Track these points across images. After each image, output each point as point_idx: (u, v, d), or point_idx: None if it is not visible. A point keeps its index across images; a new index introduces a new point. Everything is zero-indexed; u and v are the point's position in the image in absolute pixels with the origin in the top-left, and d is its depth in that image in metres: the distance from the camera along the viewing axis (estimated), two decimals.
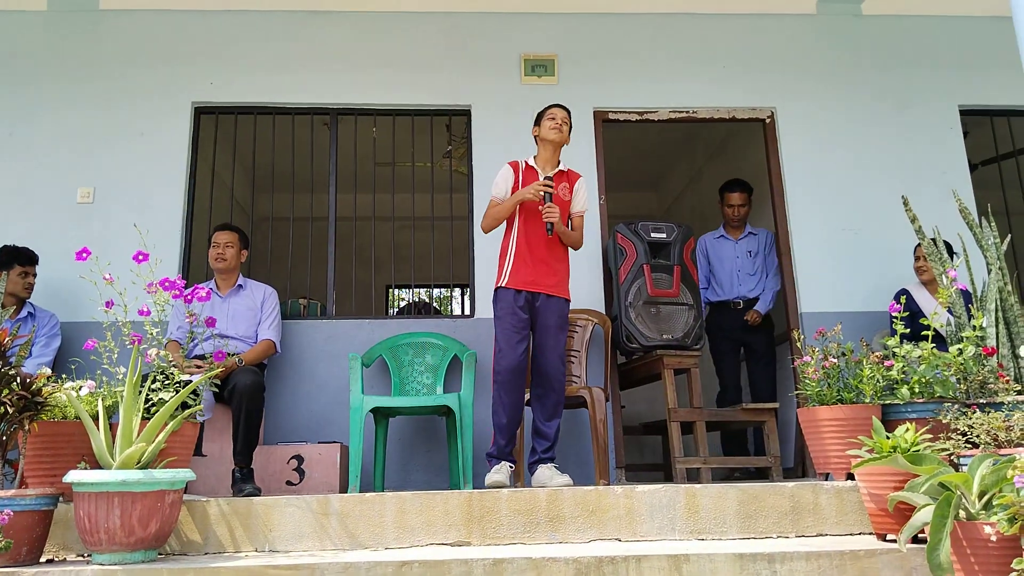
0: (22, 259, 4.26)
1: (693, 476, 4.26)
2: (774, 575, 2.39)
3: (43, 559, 2.66)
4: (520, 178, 3.92)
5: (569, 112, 3.99)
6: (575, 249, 4.01)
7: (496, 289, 3.83)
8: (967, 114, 5.34)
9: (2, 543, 2.17)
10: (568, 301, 3.88)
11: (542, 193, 3.72)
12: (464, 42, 5.18)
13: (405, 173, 5.90)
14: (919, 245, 4.62)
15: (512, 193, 3.87)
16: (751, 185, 5.20)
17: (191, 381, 2.87)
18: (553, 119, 3.89)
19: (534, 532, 2.89)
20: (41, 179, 4.75)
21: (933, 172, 5.12)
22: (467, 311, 7.73)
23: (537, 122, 3.98)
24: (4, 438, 2.60)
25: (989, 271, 3.36)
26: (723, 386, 5.05)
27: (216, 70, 5.02)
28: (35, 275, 4.32)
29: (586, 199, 4.05)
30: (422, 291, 9.96)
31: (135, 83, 4.94)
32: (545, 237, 3.81)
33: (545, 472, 3.60)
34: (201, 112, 5.05)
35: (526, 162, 3.98)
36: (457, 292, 10.08)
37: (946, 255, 3.56)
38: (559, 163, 3.98)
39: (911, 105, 5.25)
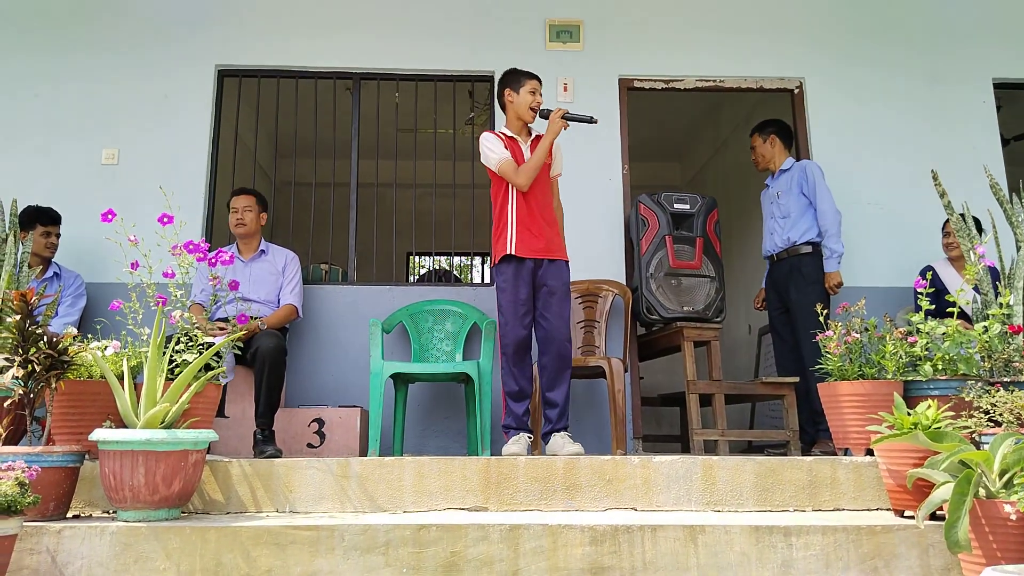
0: (44, 219, 4.29)
1: (710, 448, 4.27)
2: (790, 548, 2.39)
3: (69, 515, 2.72)
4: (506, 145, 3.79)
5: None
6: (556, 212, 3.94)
7: (501, 259, 3.70)
8: (1001, 87, 5.22)
9: (30, 498, 2.21)
10: (568, 263, 3.80)
11: (566, 125, 3.71)
12: (488, 7, 5.12)
13: (427, 140, 5.88)
14: (948, 221, 4.54)
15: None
16: (772, 122, 4.62)
17: (214, 343, 2.90)
18: (534, 94, 3.78)
19: (551, 500, 2.91)
20: (66, 140, 4.78)
21: (964, 146, 5.02)
22: (487, 279, 7.74)
23: (512, 87, 3.80)
24: (32, 396, 2.65)
25: (1019, 248, 3.31)
26: (776, 357, 4.56)
27: (239, 33, 5.01)
28: (58, 235, 4.36)
29: (561, 162, 3.98)
30: (442, 259, 9.97)
31: (159, 45, 4.94)
32: (544, 202, 3.75)
33: (558, 440, 3.58)
34: (224, 75, 5.04)
35: (503, 133, 3.84)
36: (477, 260, 10.08)
37: (975, 231, 3.50)
38: (530, 130, 3.91)
39: (943, 77, 5.14)
